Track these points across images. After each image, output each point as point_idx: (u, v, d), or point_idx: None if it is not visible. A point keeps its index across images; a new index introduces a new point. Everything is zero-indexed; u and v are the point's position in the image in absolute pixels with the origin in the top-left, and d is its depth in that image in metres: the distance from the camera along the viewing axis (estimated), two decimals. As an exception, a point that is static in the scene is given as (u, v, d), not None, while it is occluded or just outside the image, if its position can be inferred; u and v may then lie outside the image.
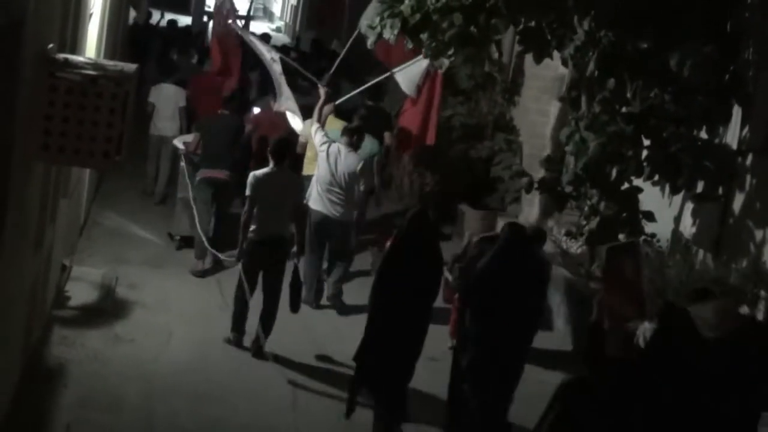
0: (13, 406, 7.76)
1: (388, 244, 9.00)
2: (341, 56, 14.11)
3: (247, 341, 10.11)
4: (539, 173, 12.00)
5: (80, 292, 10.43)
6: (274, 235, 9.92)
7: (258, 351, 9.96)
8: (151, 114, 14.51)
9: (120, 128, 7.17)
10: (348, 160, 11.37)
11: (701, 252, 10.25)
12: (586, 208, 10.68)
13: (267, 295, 10.04)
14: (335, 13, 18.57)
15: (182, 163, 12.68)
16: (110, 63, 7.81)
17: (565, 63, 10.58)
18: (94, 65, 7.38)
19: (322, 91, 12.36)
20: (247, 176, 10.23)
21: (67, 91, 7.04)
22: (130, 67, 7.52)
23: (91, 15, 10.42)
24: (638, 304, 8.06)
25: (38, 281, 8.59)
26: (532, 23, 10.37)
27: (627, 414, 6.28)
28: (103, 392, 8.68)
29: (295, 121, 13.04)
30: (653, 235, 10.49)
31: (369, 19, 10.97)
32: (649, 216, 10.29)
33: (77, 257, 11.41)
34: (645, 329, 7.20)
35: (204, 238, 11.77)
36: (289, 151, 10.46)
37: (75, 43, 8.89)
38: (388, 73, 12.80)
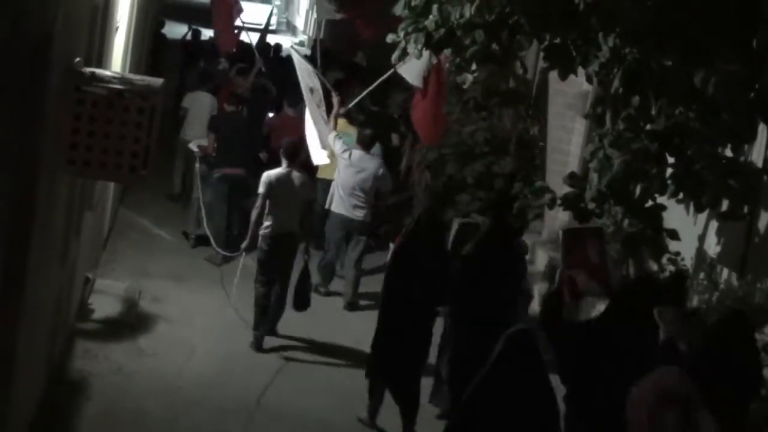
0: (36, 418, 7.78)
1: (397, 241, 9.60)
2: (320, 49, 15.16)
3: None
4: (563, 189, 11.96)
5: (103, 305, 10.45)
6: (287, 231, 10.50)
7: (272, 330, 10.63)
8: (183, 119, 14.70)
9: (146, 142, 7.19)
10: (370, 165, 12.08)
11: (726, 271, 10.18)
12: (610, 226, 10.63)
13: (278, 287, 10.64)
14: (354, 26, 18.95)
15: (197, 165, 13.20)
16: (136, 77, 7.83)
17: (589, 80, 10.55)
18: (121, 79, 7.41)
19: (335, 99, 12.92)
20: (259, 174, 10.90)
21: (93, 105, 7.07)
22: (157, 81, 7.54)
23: (117, 29, 10.46)
24: (604, 283, 8.49)
25: (62, 294, 8.61)
26: (557, 40, 10.34)
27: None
28: (126, 405, 8.70)
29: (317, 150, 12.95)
30: (677, 254, 10.43)
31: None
32: (674, 234, 10.24)
33: (101, 270, 11.44)
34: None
35: (209, 234, 12.47)
36: (299, 152, 11.14)
37: (101, 57, 8.93)
38: (391, 71, 12.89)
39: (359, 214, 12.06)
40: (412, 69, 12.62)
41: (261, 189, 10.49)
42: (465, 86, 12.38)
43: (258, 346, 10.39)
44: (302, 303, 10.66)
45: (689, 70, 9.30)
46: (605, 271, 8.74)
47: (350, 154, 12.04)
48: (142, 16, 14.16)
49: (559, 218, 13.40)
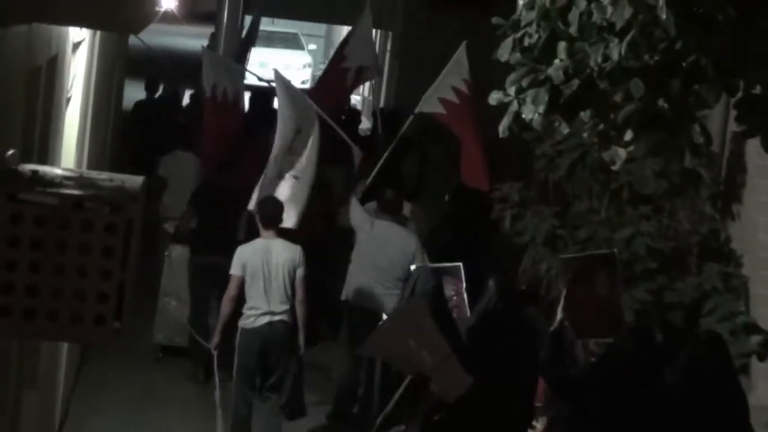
0: None
1: None
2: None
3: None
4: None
5: None
6: (274, 319, 11.88)
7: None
8: (160, 193, 15.05)
9: (119, 277, 7.17)
10: (397, 238, 13.24)
11: None
12: None
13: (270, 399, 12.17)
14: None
15: (167, 254, 14.62)
16: (102, 175, 7.82)
17: (813, 151, 10.53)
18: (79, 180, 7.43)
19: (357, 157, 14.27)
20: None
21: (37, 223, 7.08)
22: (134, 180, 7.51)
23: (68, 100, 10.56)
24: (614, 321, 10.45)
25: None
26: (757, 89, 10.34)
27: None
28: None
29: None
30: None
31: None
32: None
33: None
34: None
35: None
36: (280, 215, 12.37)
37: (46, 147, 9.02)
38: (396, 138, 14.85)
39: (388, 303, 12.94)
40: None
41: (232, 270, 11.92)
42: (615, 167, 12.38)
43: None
44: (296, 409, 12.04)
45: None
46: (616, 306, 10.69)
47: (372, 225, 13.14)
48: (105, 78, 14.36)
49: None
